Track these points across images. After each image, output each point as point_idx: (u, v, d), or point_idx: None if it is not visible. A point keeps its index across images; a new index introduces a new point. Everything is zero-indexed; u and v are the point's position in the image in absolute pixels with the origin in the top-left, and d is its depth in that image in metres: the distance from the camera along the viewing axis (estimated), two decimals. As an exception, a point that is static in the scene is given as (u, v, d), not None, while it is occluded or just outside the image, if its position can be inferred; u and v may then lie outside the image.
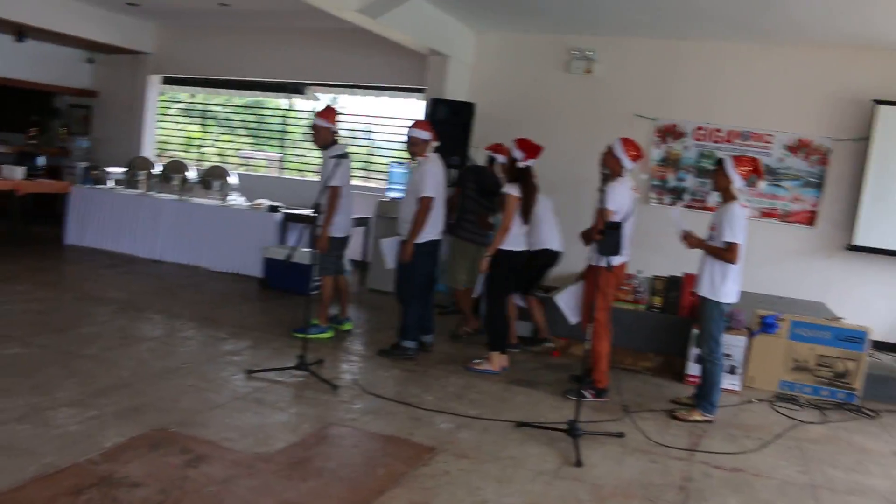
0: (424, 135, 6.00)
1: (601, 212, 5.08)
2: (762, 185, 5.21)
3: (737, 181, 5.13)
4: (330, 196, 6.20)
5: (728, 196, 5.19)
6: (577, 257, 8.75)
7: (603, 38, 9.14)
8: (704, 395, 5.29)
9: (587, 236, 5.57)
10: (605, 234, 4.84)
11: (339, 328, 6.80)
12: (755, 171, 5.17)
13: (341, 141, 6.63)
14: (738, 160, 5.17)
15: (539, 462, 4.27)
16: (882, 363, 6.93)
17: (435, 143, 6.06)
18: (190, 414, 4.47)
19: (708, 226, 5.32)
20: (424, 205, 5.87)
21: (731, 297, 5.19)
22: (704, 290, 5.21)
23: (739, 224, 5.03)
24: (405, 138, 6.13)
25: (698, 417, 5.25)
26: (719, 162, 5.24)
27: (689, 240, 5.23)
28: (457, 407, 5.07)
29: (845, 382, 6.03)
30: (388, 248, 6.27)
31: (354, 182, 8.36)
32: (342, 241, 6.56)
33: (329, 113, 6.37)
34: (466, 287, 6.95)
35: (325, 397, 5.03)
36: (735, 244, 5.02)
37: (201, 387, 4.98)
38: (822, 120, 8.44)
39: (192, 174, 9.94)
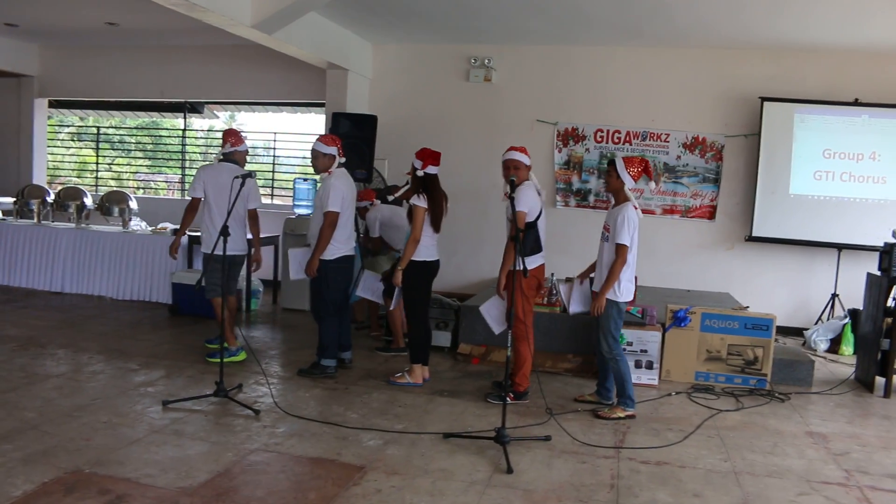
0: (326, 149, 5.92)
1: (514, 217, 5.12)
2: (652, 185, 5.33)
3: (628, 182, 5.26)
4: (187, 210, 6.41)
5: (621, 197, 5.32)
6: (478, 266, 8.89)
7: (500, 46, 9.27)
8: (620, 392, 5.40)
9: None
10: (523, 236, 4.90)
11: (210, 347, 6.67)
12: (645, 171, 5.31)
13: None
14: (629, 161, 5.28)
15: (470, 472, 4.25)
16: (788, 347, 7.23)
17: (341, 160, 5.99)
18: (105, 452, 4.26)
19: (603, 225, 5.44)
20: (328, 220, 5.81)
21: (628, 295, 5.32)
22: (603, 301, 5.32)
23: (631, 226, 5.16)
24: (310, 153, 6.06)
25: (620, 414, 5.34)
26: (611, 163, 5.36)
27: (599, 303, 5.29)
28: (382, 423, 5.01)
29: (756, 369, 6.25)
30: (295, 259, 6.13)
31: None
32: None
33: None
34: None
35: (247, 423, 4.89)
36: (624, 247, 5.15)
37: (115, 422, 4.76)
38: (714, 118, 8.81)
39: (88, 201, 9.56)
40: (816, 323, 8.36)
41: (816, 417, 5.62)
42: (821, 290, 8.55)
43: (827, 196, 8.41)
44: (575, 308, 5.67)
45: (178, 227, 8.83)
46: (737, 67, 8.66)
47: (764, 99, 8.45)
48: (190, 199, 6.40)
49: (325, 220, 5.81)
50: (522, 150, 5.55)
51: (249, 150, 6.73)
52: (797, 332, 8.43)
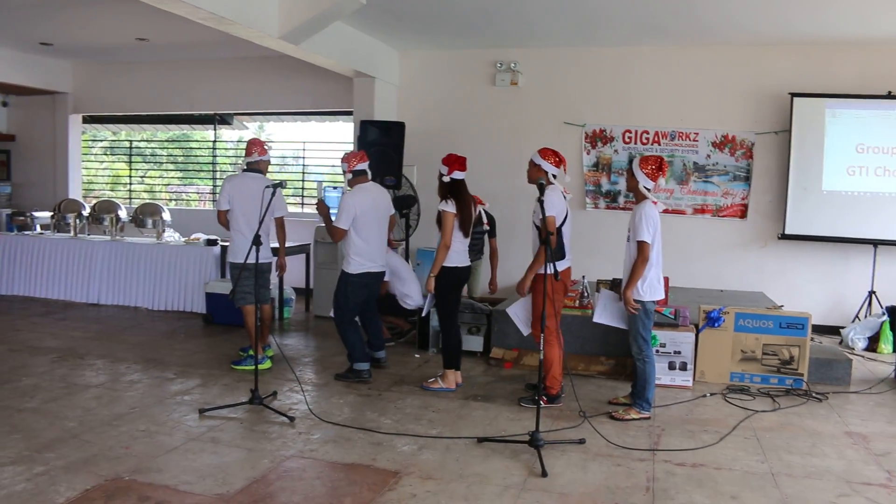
0: (342, 166, 6.15)
1: (545, 221, 5.11)
2: (661, 181, 5.32)
3: (642, 180, 5.25)
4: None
5: (639, 196, 5.32)
6: (509, 271, 8.87)
7: (525, 50, 9.26)
8: (639, 394, 5.37)
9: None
10: (550, 242, 4.89)
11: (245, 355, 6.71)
12: (659, 168, 5.29)
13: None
14: (644, 160, 5.29)
15: (505, 476, 4.25)
16: (824, 346, 7.13)
17: (351, 172, 6.08)
18: (144, 460, 4.33)
19: (627, 227, 5.43)
20: (333, 235, 6.04)
21: (655, 294, 5.30)
22: (632, 300, 5.29)
23: (650, 223, 5.14)
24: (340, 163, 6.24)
25: (635, 416, 5.32)
26: (630, 163, 5.43)
27: (627, 302, 5.27)
28: (416, 428, 5.03)
29: (792, 368, 6.17)
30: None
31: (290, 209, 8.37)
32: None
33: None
34: None
35: (282, 430, 4.93)
36: (646, 244, 5.13)
37: (153, 430, 4.83)
38: (743, 115, 8.72)
39: (123, 213, 9.72)
40: (853, 321, 8.24)
41: (855, 417, 5.54)
42: (857, 288, 8.42)
43: (861, 191, 8.28)
44: (599, 318, 5.64)
45: (211, 237, 8.99)
46: (765, 63, 8.57)
47: (794, 94, 8.36)
48: (218, 212, 6.49)
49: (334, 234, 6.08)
50: (542, 151, 5.57)
51: (279, 159, 6.84)
52: (834, 330, 8.31)
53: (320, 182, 6.47)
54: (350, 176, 6.09)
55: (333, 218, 6.08)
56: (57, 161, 11.70)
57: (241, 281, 6.15)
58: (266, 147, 6.58)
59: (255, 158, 6.47)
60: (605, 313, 5.59)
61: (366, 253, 6.04)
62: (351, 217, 5.94)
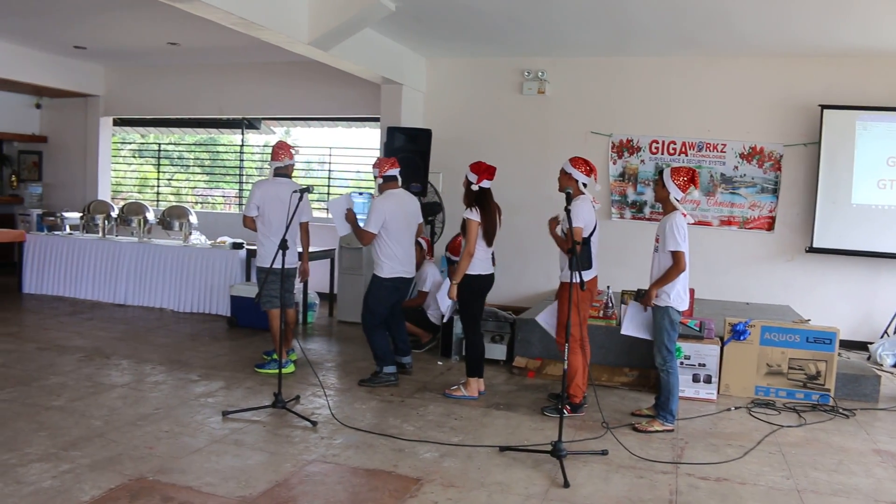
0: (374, 171, 6.20)
1: (571, 230, 5.10)
2: (695, 192, 5.28)
3: (673, 191, 5.23)
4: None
5: (668, 207, 5.30)
6: (533, 279, 8.87)
7: (553, 59, 9.26)
8: (663, 406, 5.33)
9: (555, 223, 5.67)
10: (577, 251, 4.89)
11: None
12: (691, 180, 5.27)
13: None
14: (675, 171, 5.28)
15: (526, 486, 4.23)
16: (852, 362, 7.03)
17: (381, 178, 6.14)
18: (168, 460, 4.36)
19: (654, 237, 5.40)
20: (363, 237, 6.06)
21: (681, 305, 5.26)
22: (654, 299, 5.27)
23: (681, 232, 5.12)
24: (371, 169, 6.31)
25: (658, 428, 5.28)
26: (660, 173, 5.39)
27: (649, 297, 5.27)
28: (438, 435, 5.03)
29: (819, 384, 6.10)
30: (335, 208, 6.34)
31: (315, 214, 8.42)
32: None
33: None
34: None
35: (305, 434, 4.95)
36: (680, 252, 5.10)
37: (177, 431, 4.87)
38: (772, 127, 8.64)
39: (150, 215, 9.83)
40: (882, 337, 8.12)
41: (884, 434, 5.45)
42: (886, 303, 8.30)
43: (892, 205, 8.17)
44: (627, 329, 5.61)
45: (237, 241, 9.06)
46: (795, 75, 8.50)
47: (824, 107, 8.28)
48: (244, 216, 6.51)
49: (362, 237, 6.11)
50: (573, 160, 5.59)
51: (305, 164, 6.88)
52: (861, 346, 8.20)
53: (347, 195, 6.50)
54: (380, 181, 6.14)
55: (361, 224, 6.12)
56: (87, 163, 11.85)
57: (267, 285, 6.18)
58: (293, 151, 6.63)
59: (285, 163, 6.49)
60: (631, 324, 5.56)
61: (397, 258, 6.08)
62: (380, 221, 5.97)
